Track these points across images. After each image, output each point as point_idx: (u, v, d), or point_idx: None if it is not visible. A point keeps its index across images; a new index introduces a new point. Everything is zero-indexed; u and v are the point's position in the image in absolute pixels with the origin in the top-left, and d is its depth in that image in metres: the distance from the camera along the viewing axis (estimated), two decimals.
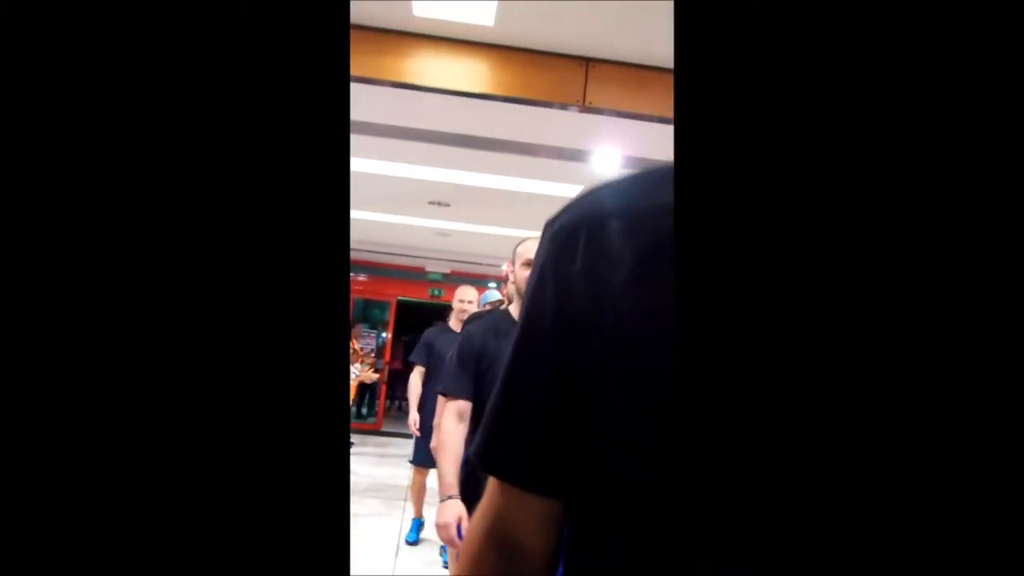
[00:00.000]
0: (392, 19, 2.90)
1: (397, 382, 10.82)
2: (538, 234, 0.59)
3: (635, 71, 3.09)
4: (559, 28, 2.86)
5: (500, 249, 6.20)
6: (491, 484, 0.59)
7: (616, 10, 2.65)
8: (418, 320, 9.28)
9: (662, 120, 3.10)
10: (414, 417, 4.31)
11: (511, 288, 2.41)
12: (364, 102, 3.30)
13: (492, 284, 4.15)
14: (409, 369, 4.54)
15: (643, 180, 0.54)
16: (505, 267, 2.69)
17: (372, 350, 9.46)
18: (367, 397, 9.73)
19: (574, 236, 0.54)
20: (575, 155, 4.04)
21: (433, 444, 2.41)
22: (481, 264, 8.43)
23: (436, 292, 9.85)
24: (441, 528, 2.11)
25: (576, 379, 0.52)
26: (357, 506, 5.24)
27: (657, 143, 3.42)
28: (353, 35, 2.85)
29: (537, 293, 0.55)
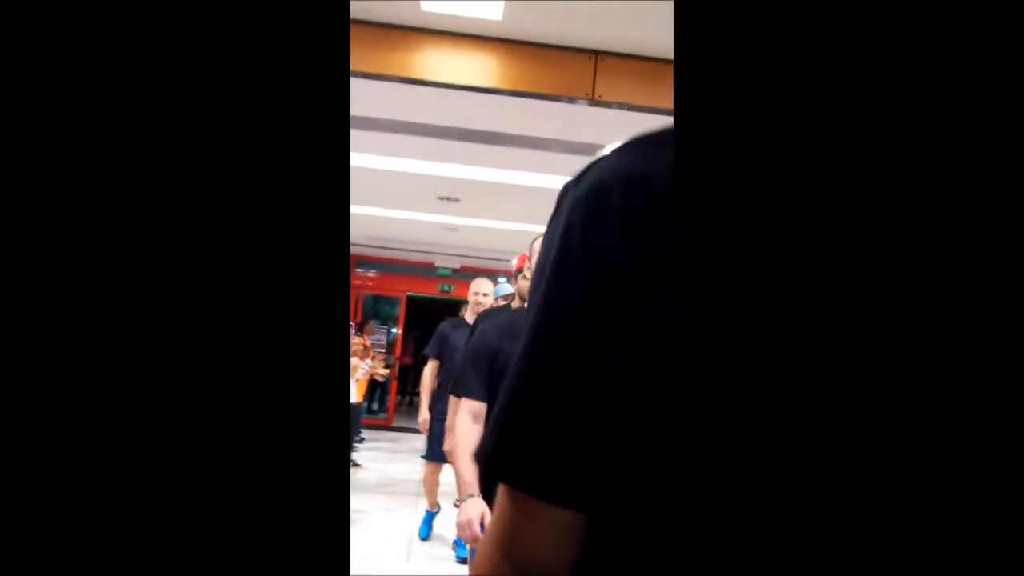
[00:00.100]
0: (400, 15, 2.91)
1: (408, 377, 10.88)
2: None
3: (644, 64, 3.08)
4: (567, 21, 2.85)
5: (509, 244, 6.21)
6: (502, 495, 0.51)
7: (624, 3, 2.64)
8: (428, 315, 9.31)
9: (671, 113, 3.08)
10: (424, 416, 4.32)
11: (523, 284, 2.40)
12: (372, 98, 3.31)
13: (502, 279, 4.15)
14: (421, 364, 4.56)
15: (666, 140, 0.50)
16: (515, 261, 2.68)
17: (383, 346, 9.50)
18: (378, 392, 9.77)
19: (606, 195, 0.48)
20: (584, 149, 4.03)
21: (447, 447, 2.40)
22: (490, 259, 8.44)
23: (446, 287, 9.88)
24: (463, 526, 2.10)
25: (602, 364, 0.46)
26: (367, 502, 5.25)
27: None
28: (362, 31, 2.86)
29: (560, 262, 0.48)
